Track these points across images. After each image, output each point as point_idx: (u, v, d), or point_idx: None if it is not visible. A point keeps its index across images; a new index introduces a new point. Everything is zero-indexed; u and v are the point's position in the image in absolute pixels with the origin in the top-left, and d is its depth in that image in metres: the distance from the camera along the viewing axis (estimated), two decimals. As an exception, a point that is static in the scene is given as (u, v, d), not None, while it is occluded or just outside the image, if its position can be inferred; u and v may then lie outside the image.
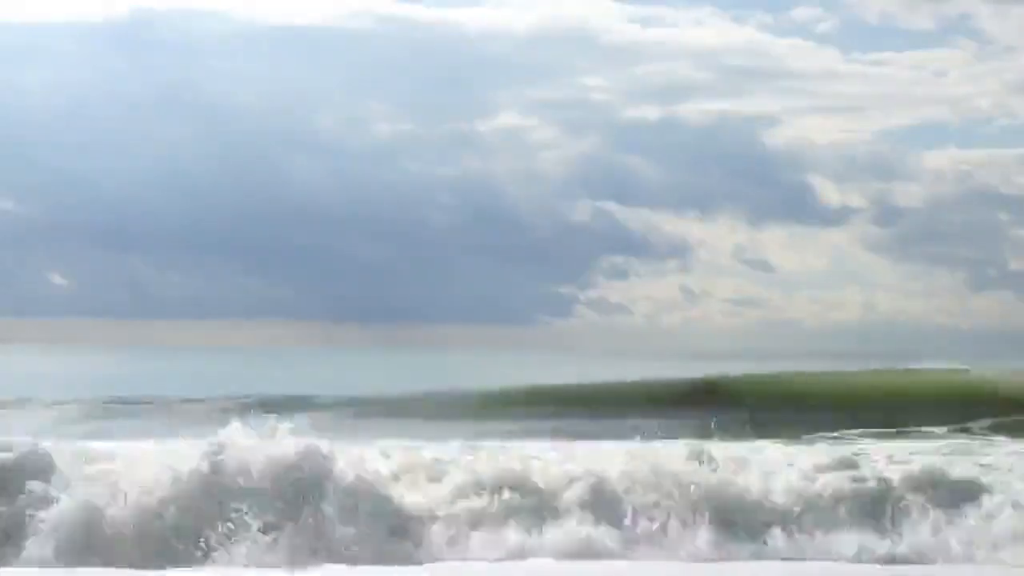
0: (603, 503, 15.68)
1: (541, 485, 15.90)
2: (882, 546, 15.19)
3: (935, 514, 15.73)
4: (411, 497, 15.70)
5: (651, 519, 15.45)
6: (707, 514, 15.43)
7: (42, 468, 15.35)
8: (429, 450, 18.17)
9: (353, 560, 14.36)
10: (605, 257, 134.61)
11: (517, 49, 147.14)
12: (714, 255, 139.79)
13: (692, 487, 15.72)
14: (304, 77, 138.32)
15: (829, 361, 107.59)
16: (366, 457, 16.27)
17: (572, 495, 15.74)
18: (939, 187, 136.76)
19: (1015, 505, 15.78)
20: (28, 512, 14.61)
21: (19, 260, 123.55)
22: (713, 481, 15.96)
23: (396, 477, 16.28)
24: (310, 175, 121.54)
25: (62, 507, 14.55)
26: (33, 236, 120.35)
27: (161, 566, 14.13)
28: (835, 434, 28.15)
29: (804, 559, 15.28)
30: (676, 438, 17.76)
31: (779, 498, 16.09)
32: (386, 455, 17.25)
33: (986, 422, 30.42)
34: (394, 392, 36.68)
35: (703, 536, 15.20)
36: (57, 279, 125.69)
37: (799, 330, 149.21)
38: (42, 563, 14.11)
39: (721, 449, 17.32)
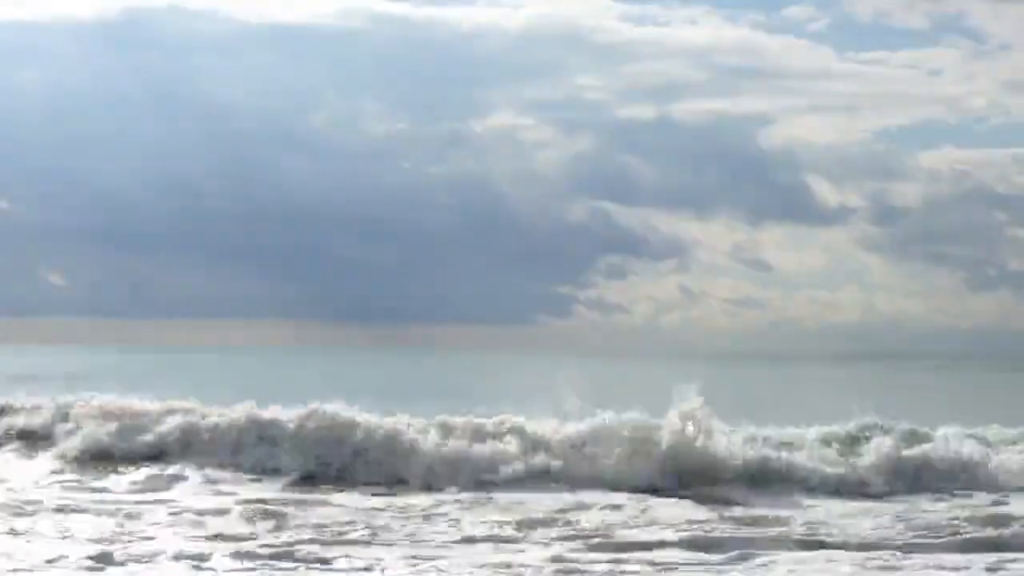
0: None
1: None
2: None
3: None
4: None
5: None
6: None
7: None
8: None
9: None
10: (603, 257, 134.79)
11: (510, 48, 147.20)
12: (712, 255, 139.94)
13: None
14: (298, 76, 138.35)
15: (828, 361, 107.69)
16: None
17: None
18: (936, 187, 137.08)
19: None
20: None
21: (16, 260, 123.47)
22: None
23: None
24: (305, 174, 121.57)
25: None
26: (29, 236, 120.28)
27: None
28: None
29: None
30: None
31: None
32: None
33: None
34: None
35: None
36: (55, 279, 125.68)
37: (798, 330, 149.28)
38: None
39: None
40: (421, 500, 19.88)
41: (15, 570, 14.28)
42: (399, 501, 19.78)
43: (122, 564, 14.69)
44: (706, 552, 15.95)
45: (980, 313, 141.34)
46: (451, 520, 18.17)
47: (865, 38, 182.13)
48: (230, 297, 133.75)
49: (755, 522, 18.34)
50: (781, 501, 20.70)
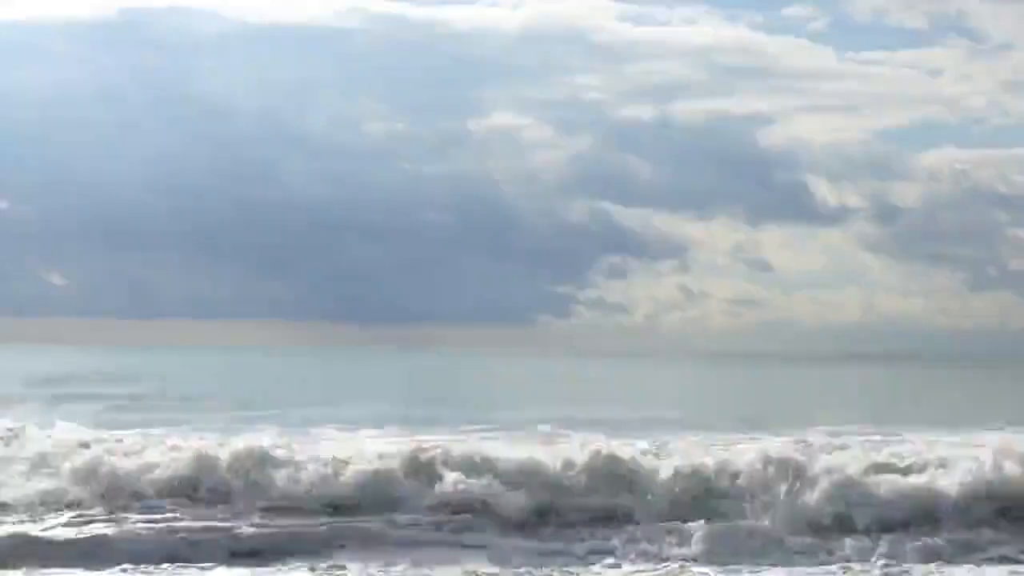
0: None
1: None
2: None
3: None
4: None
5: None
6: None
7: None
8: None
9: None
10: (603, 257, 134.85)
11: (510, 48, 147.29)
12: (712, 255, 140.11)
13: None
14: (297, 76, 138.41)
15: (828, 361, 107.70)
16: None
17: None
18: (936, 186, 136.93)
19: None
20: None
21: (16, 260, 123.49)
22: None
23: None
24: (304, 175, 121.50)
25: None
26: (29, 236, 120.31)
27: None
28: None
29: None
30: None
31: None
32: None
33: None
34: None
35: None
36: (55, 279, 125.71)
37: (798, 330, 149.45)
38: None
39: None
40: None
41: None
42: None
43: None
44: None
45: (980, 313, 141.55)
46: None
47: (865, 38, 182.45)
48: (230, 297, 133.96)
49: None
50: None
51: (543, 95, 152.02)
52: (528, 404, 37.62)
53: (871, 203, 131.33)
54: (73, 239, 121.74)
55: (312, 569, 14.89)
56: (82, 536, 15.72)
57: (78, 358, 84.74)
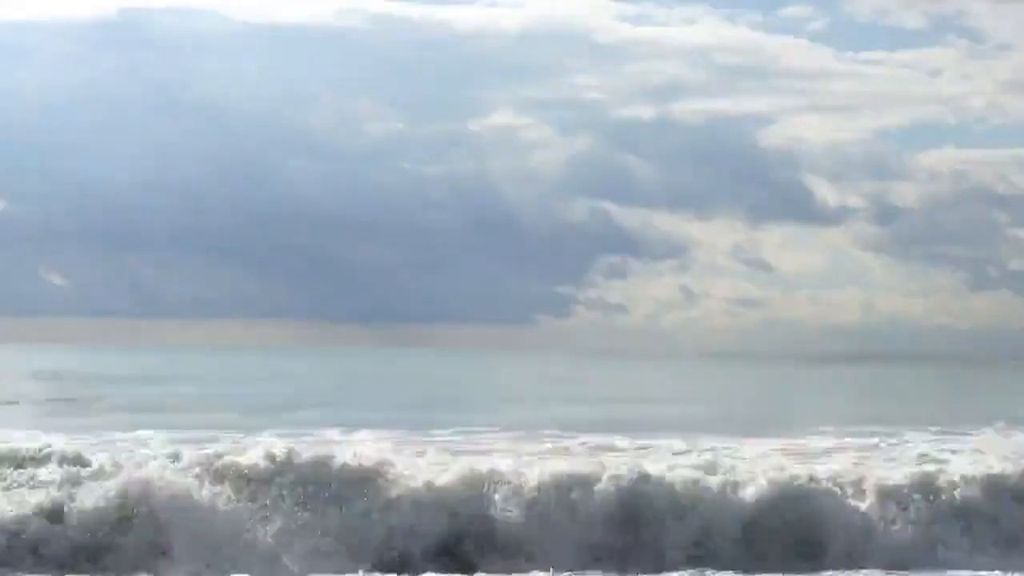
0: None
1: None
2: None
3: None
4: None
5: None
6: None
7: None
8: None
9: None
10: (603, 257, 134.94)
11: (509, 48, 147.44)
12: (712, 255, 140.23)
13: None
14: (297, 76, 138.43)
15: (828, 361, 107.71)
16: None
17: None
18: (936, 187, 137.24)
19: None
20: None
21: (16, 260, 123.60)
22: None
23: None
24: (304, 175, 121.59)
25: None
26: (29, 236, 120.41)
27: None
28: None
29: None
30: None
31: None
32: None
33: None
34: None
35: None
36: (55, 279, 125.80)
37: (798, 330, 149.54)
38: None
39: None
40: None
41: None
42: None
43: None
44: None
45: (980, 313, 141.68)
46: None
47: (864, 38, 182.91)
48: (230, 297, 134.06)
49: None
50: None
51: (543, 95, 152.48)
52: (528, 404, 37.65)
53: (871, 203, 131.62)
54: (73, 239, 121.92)
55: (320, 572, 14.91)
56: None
57: (78, 358, 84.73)
